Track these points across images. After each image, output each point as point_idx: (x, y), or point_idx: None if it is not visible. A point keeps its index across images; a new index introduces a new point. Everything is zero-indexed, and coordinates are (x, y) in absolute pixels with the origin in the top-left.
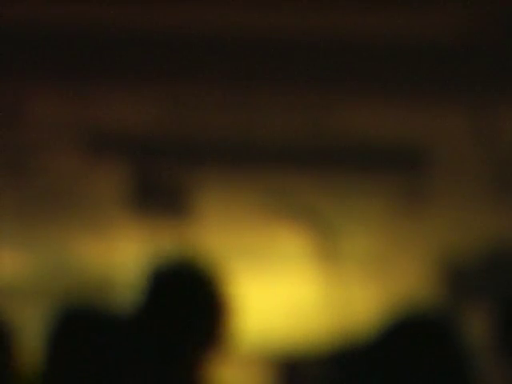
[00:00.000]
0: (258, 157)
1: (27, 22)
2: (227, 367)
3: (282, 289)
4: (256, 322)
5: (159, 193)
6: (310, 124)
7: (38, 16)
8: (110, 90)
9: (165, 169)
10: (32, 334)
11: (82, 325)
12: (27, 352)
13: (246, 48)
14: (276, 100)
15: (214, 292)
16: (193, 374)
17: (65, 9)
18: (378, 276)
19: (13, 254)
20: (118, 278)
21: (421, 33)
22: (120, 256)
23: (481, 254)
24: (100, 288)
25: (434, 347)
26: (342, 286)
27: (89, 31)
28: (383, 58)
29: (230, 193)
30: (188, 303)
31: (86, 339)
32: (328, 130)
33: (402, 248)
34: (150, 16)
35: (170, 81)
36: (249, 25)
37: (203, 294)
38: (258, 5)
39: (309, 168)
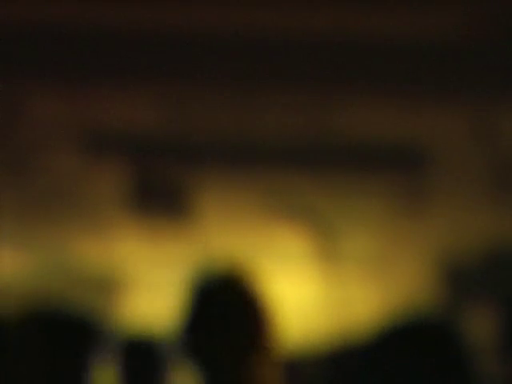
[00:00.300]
0: (258, 157)
1: (27, 22)
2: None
3: (281, 289)
4: None
5: (159, 193)
6: (310, 124)
7: (37, 16)
8: (109, 90)
9: (165, 169)
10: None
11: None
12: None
13: (246, 48)
14: (276, 100)
15: (254, 296)
16: (238, 377)
17: (65, 9)
18: (378, 276)
19: (13, 253)
20: (120, 279)
21: (421, 33)
22: (120, 256)
23: (481, 253)
24: (100, 288)
25: (434, 347)
26: (341, 286)
27: (89, 31)
28: (384, 58)
29: (230, 193)
30: (231, 309)
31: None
32: (328, 130)
33: (402, 248)
34: (150, 16)
35: (170, 81)
36: (249, 25)
37: (245, 299)
38: (258, 5)
39: (309, 168)
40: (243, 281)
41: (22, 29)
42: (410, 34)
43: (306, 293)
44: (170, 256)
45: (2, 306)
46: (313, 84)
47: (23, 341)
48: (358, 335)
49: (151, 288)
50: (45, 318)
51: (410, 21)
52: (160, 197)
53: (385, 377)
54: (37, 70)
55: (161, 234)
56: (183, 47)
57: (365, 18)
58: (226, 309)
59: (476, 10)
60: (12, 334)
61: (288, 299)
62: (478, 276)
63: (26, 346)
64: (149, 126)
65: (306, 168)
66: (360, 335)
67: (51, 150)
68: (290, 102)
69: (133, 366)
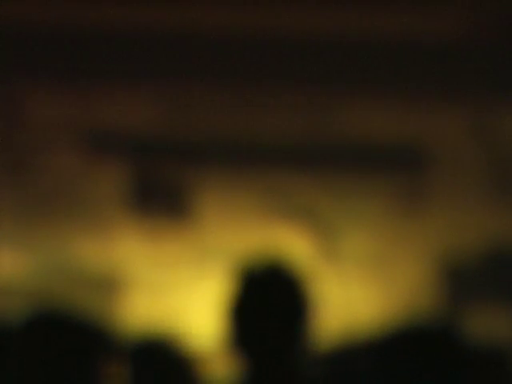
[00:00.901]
0: (258, 157)
1: (27, 21)
2: (226, 364)
3: None
4: None
5: (159, 193)
6: (310, 124)
7: (38, 16)
8: (110, 90)
9: (165, 169)
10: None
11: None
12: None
13: (247, 48)
14: (276, 100)
15: (298, 287)
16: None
17: (65, 9)
18: (378, 276)
19: (13, 254)
20: (121, 278)
21: (421, 33)
22: (120, 256)
23: (481, 253)
24: (100, 287)
25: (433, 349)
26: (341, 285)
27: (89, 31)
28: (384, 58)
29: (231, 193)
30: (277, 298)
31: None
32: (328, 130)
33: (402, 248)
34: (150, 16)
35: (170, 81)
36: (249, 25)
37: (291, 289)
38: (258, 5)
39: (309, 168)
40: (288, 272)
41: (23, 29)
42: (410, 33)
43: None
44: (171, 256)
45: (2, 306)
46: (313, 84)
47: (30, 343)
48: (358, 335)
49: (151, 288)
50: (51, 321)
51: (410, 21)
52: (160, 197)
53: (385, 376)
54: (37, 70)
55: (161, 234)
56: (183, 47)
57: (365, 18)
58: (271, 298)
59: (476, 10)
60: (19, 336)
61: None
62: (478, 276)
63: (32, 348)
64: (149, 126)
65: (306, 168)
66: (360, 335)
67: (51, 150)
68: (290, 102)
69: (143, 367)
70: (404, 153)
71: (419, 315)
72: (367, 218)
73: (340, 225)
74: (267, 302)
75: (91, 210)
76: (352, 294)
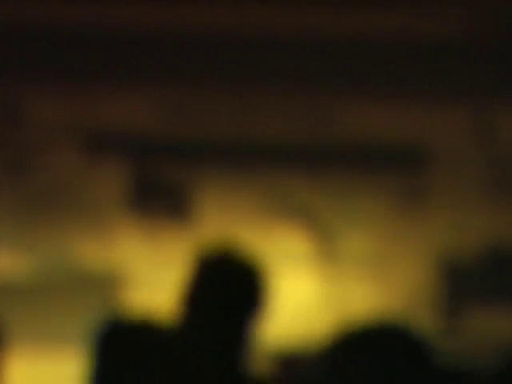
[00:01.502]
0: (258, 157)
1: (27, 22)
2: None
3: (281, 288)
4: None
5: (159, 193)
6: (310, 124)
7: (38, 16)
8: (109, 91)
9: (165, 169)
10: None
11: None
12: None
13: (246, 48)
14: (276, 100)
15: (249, 272)
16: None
17: (65, 9)
18: (378, 275)
19: (13, 254)
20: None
21: (421, 33)
22: (120, 255)
23: (480, 253)
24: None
25: (429, 349)
26: (341, 285)
27: (89, 31)
28: (384, 58)
29: (230, 193)
30: (227, 284)
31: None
32: (328, 130)
33: (401, 248)
34: (150, 17)
35: (170, 81)
36: (249, 25)
37: (240, 275)
38: (259, 5)
39: (308, 168)
40: (240, 265)
41: (22, 29)
42: (410, 34)
43: (305, 292)
44: (170, 255)
45: (2, 306)
46: (313, 84)
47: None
48: (356, 335)
49: (151, 287)
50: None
51: (410, 21)
52: (160, 197)
53: (384, 374)
54: (37, 70)
55: (161, 234)
56: (183, 48)
57: (365, 17)
58: (219, 288)
59: (476, 10)
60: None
61: (287, 299)
62: (478, 276)
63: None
64: (149, 126)
65: (305, 168)
66: (359, 335)
67: (51, 150)
68: (290, 103)
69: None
70: (404, 152)
71: (417, 316)
72: (367, 218)
73: (340, 224)
74: (215, 291)
75: (91, 209)
76: (351, 293)
